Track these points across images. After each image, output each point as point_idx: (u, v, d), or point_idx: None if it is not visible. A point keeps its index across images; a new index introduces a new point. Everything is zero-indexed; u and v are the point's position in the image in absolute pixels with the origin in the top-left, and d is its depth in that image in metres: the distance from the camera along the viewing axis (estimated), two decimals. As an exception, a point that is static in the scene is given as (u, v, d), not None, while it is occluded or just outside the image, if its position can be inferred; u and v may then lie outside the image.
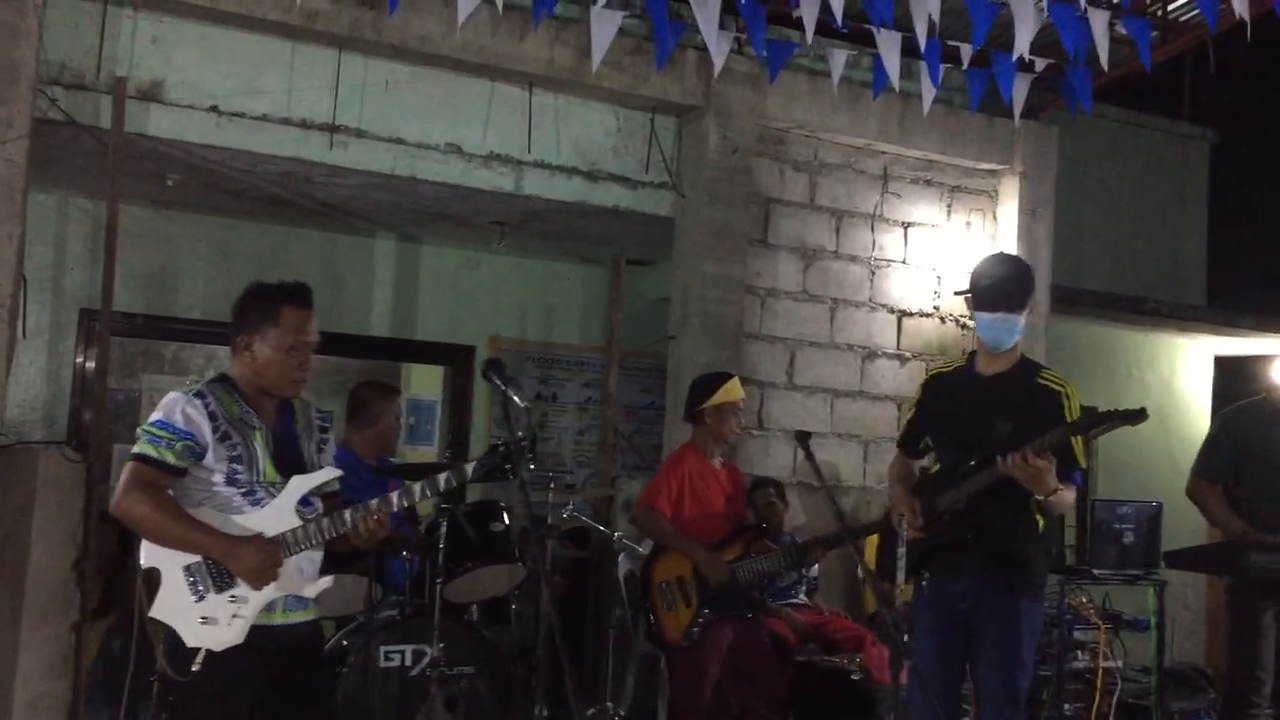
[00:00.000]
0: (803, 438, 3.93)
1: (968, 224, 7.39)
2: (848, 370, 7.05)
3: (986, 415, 3.83)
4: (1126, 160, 10.13)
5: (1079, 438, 3.81)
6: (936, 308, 7.32)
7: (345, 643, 4.62)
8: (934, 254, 7.24)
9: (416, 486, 3.37)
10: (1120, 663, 5.54)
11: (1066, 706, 5.44)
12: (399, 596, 4.73)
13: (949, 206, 7.38)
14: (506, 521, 4.96)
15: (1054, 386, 3.92)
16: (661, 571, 5.07)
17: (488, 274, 8.25)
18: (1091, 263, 9.75)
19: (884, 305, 7.13)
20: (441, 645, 4.46)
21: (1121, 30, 6.44)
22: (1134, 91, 9.94)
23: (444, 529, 4.54)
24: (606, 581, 6.22)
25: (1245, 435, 4.85)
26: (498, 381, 3.29)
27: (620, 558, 6.04)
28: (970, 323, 7.36)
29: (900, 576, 3.73)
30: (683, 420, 5.42)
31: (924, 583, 3.90)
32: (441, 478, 3.37)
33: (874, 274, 7.07)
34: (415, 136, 6.06)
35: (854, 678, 5.34)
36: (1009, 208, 7.41)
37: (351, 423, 5.35)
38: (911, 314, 7.22)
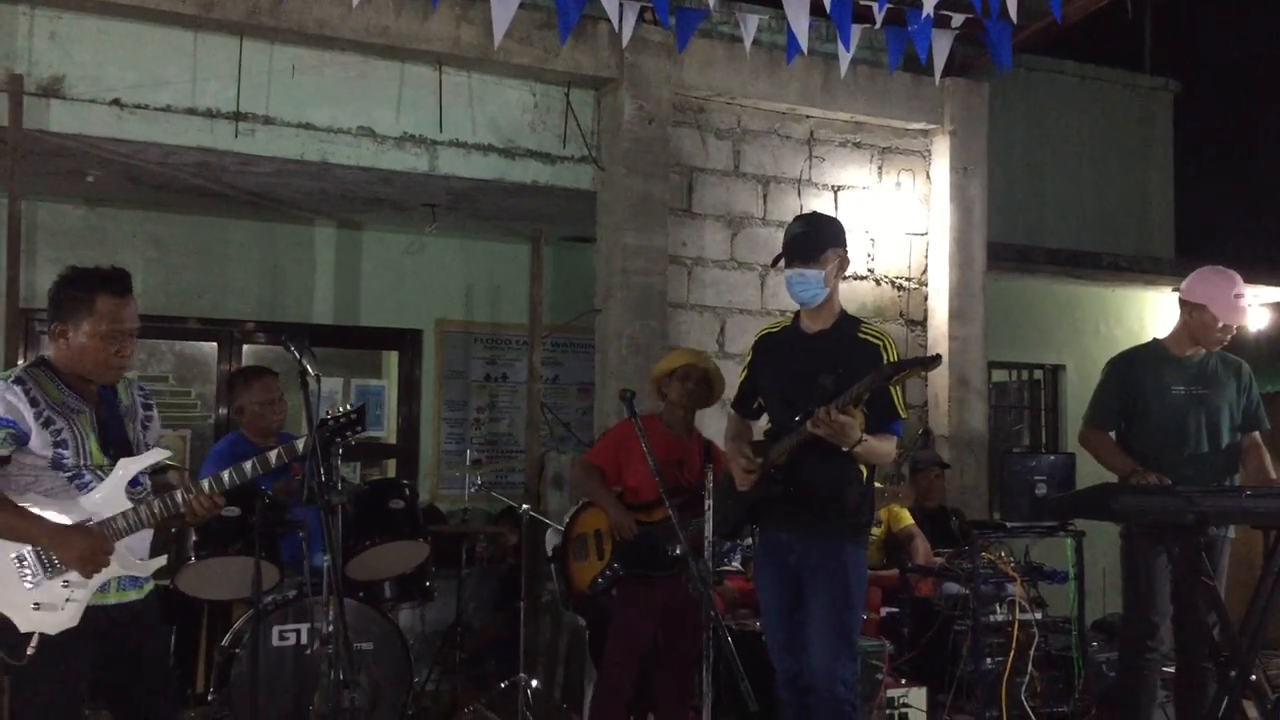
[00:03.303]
0: (625, 395, 4.01)
1: (898, 184, 7.34)
2: (782, 336, 7.01)
3: (810, 371, 3.85)
4: (1088, 115, 10.02)
5: (898, 390, 3.80)
6: (871, 270, 7.30)
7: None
8: (866, 216, 7.21)
9: (247, 464, 3.43)
10: (1039, 615, 5.51)
11: (988, 660, 5.42)
12: (300, 577, 4.76)
13: (879, 168, 7.33)
14: (407, 498, 4.98)
15: (873, 340, 3.93)
16: (581, 525, 5.16)
17: (432, 257, 8.28)
18: (1054, 220, 9.68)
19: (816, 270, 7.08)
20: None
21: (1033, -19, 6.39)
22: (1096, 45, 9.86)
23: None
24: (538, 557, 6.25)
25: (1133, 380, 4.79)
26: (293, 351, 3.31)
27: (549, 533, 6.06)
28: (907, 283, 7.38)
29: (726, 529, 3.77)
30: None
31: (755, 536, 3.95)
32: (272, 454, 3.42)
33: (804, 239, 7.01)
34: (325, 121, 6.08)
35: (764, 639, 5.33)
36: (941, 166, 7.36)
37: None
38: (845, 277, 7.15)
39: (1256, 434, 4.81)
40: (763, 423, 4.33)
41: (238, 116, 5.87)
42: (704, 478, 3.98)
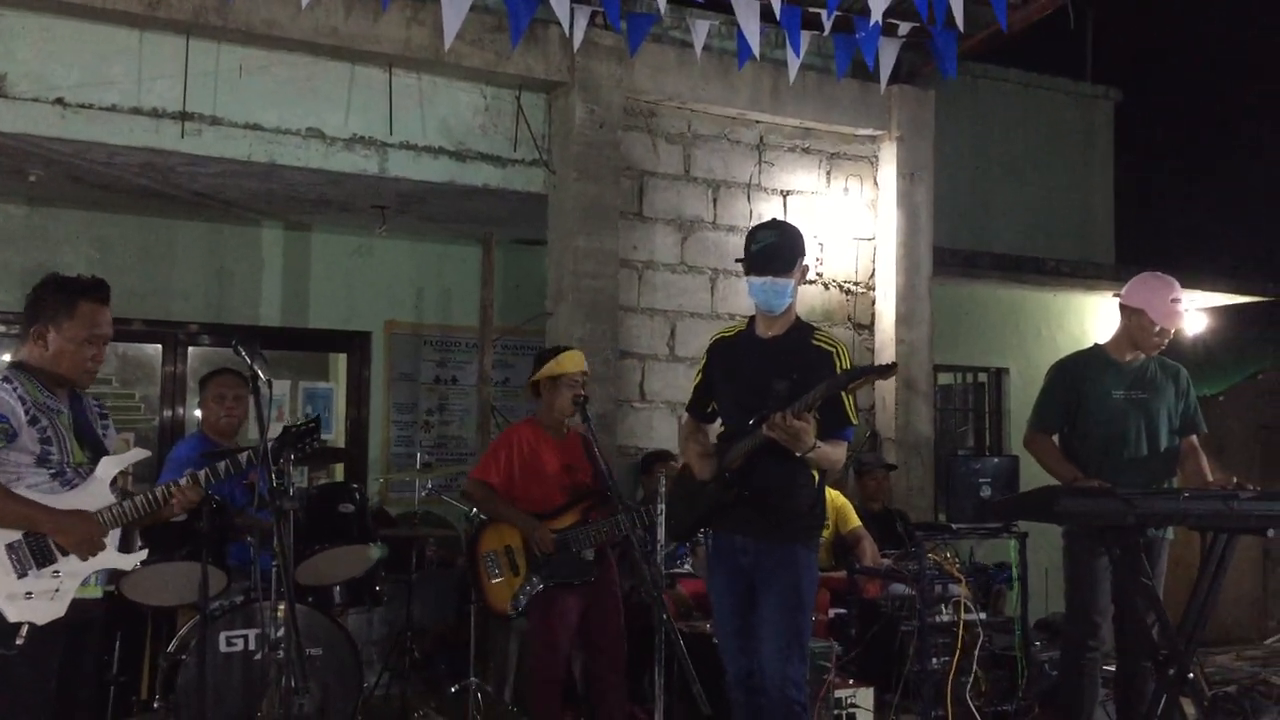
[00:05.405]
0: (578, 400, 4.05)
1: (846, 190, 7.42)
2: (731, 340, 7.06)
3: (765, 376, 3.90)
4: (1031, 122, 10.19)
5: (850, 396, 3.87)
6: (820, 274, 7.36)
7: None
8: (814, 221, 7.27)
9: (221, 465, 3.59)
10: (983, 615, 5.59)
11: (934, 660, 5.49)
12: (247, 582, 4.72)
13: (828, 173, 7.41)
14: (357, 502, 4.96)
15: (826, 347, 3.99)
16: (487, 543, 5.10)
17: (381, 259, 8.23)
18: (998, 225, 9.83)
19: (765, 274, 7.13)
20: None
21: (979, -10, 6.48)
22: (1039, 54, 10.03)
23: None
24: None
25: (1075, 385, 4.89)
26: (244, 355, 3.33)
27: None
28: (854, 287, 7.45)
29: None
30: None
31: (708, 539, 4.00)
32: (243, 456, 3.60)
33: (754, 243, 7.07)
34: (273, 122, 6.04)
35: (715, 641, 5.36)
36: (888, 172, 7.45)
37: (204, 408, 5.36)
38: (796, 282, 7.24)
39: (1194, 438, 4.92)
40: (716, 426, 4.37)
41: (184, 117, 5.81)
42: (658, 483, 4.01)
